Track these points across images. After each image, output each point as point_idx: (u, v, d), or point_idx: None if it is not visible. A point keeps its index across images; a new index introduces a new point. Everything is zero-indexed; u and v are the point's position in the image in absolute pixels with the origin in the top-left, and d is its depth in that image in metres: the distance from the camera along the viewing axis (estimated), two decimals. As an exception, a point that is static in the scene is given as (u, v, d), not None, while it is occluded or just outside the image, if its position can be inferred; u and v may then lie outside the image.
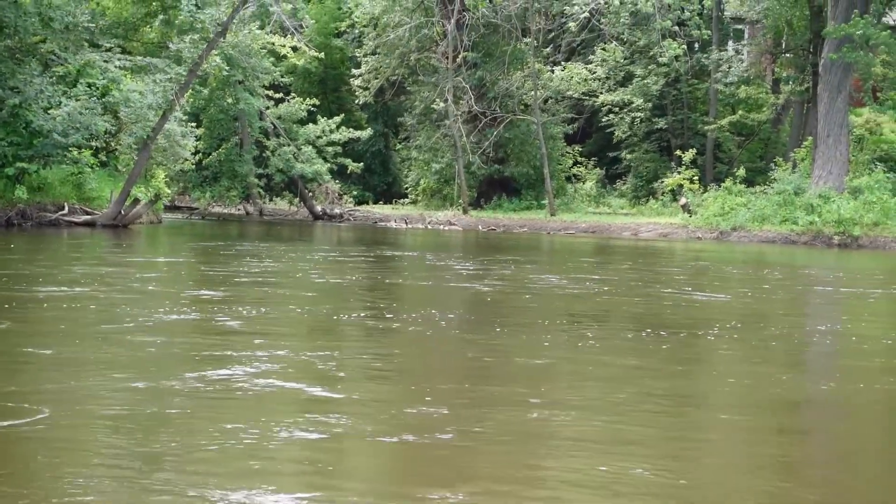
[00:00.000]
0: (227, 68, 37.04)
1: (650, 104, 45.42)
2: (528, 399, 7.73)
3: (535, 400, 7.71)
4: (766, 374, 9.78)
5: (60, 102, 27.72)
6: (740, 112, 45.94)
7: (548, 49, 46.84)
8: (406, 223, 41.27)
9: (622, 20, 43.86)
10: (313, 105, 44.77)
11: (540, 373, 9.09)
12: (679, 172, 42.36)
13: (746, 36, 52.09)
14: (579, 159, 49.28)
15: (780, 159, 41.29)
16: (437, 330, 11.55)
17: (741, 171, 40.06)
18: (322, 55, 46.02)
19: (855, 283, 22.52)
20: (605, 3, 42.14)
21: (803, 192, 37.32)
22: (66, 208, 29.25)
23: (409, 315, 12.61)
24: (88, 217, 29.37)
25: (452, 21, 43.31)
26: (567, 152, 48.69)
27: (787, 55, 48.17)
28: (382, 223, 41.81)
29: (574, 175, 48.61)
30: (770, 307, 17.07)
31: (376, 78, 47.73)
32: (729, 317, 14.93)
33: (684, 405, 8.18)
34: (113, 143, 33.23)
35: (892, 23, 43.70)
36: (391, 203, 50.83)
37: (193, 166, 41.59)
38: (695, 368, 10.53)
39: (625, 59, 45.49)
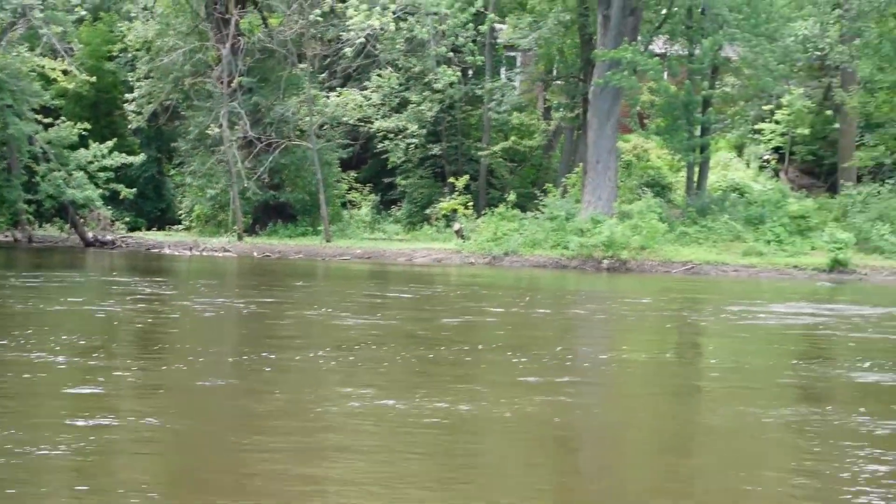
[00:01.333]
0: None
1: (425, 130, 45.58)
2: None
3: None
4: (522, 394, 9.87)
5: None
6: (513, 138, 46.60)
7: (323, 74, 46.52)
8: (187, 249, 40.48)
9: (398, 46, 43.95)
10: (85, 129, 43.38)
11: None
12: (453, 198, 42.64)
13: (519, 63, 52.94)
14: (355, 185, 49.11)
15: (552, 185, 41.98)
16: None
17: (513, 197, 40.54)
18: (94, 79, 44.72)
19: (623, 305, 23.00)
20: (381, 28, 42.10)
21: (574, 217, 37.94)
22: None
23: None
24: None
25: (227, 46, 42.65)
26: (343, 178, 48.47)
27: (559, 83, 49.12)
28: (155, 250, 40.88)
29: (350, 201, 48.42)
30: (534, 330, 17.28)
31: (150, 102, 46.63)
32: (492, 339, 15.06)
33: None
34: None
35: (658, 51, 44.87)
36: (165, 229, 49.68)
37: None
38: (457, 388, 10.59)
39: (400, 85, 45.52)
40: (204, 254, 39.47)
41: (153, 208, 54.26)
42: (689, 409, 11.44)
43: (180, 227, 49.02)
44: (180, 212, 50.31)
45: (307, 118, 43.27)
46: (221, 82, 43.08)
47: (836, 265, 35.16)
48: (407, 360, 13.34)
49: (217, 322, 17.45)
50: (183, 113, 48.06)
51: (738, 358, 15.11)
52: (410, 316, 19.12)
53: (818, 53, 48.55)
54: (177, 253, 39.61)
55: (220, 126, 42.75)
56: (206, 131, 44.04)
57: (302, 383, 11.56)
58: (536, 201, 40.84)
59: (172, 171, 54.56)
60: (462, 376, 12.30)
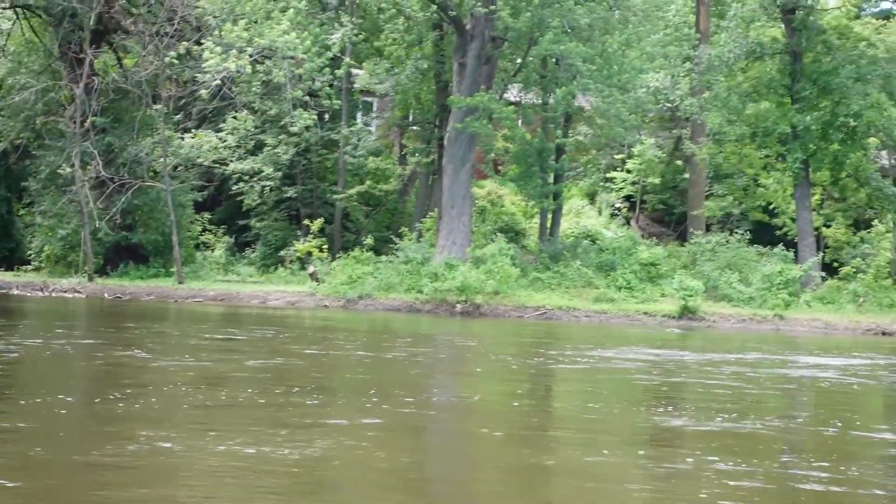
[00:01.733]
0: None
1: (280, 173, 45.34)
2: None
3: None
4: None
5: None
6: (368, 182, 46.65)
7: (179, 116, 46.05)
8: (37, 290, 39.65)
9: (254, 89, 43.70)
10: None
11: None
12: (308, 241, 42.48)
13: (376, 108, 53.10)
14: (209, 227, 48.54)
15: (407, 229, 42.05)
16: None
17: (369, 240, 40.58)
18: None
19: (466, 349, 23.15)
20: (237, 71, 41.83)
21: (429, 261, 38.08)
22: None
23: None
24: None
25: (81, 85, 41.96)
26: (196, 219, 47.89)
27: (415, 128, 49.40)
28: (2, 290, 39.90)
29: (203, 243, 47.84)
30: (365, 373, 17.33)
31: (0, 141, 45.72)
32: (309, 381, 15.10)
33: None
34: None
35: (513, 99, 45.45)
36: (13, 270, 48.47)
37: None
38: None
39: (256, 127, 45.27)
40: (54, 294, 38.67)
41: (1, 248, 52.97)
42: (483, 452, 11.59)
43: (30, 267, 47.87)
44: (30, 252, 49.14)
45: (161, 159, 42.80)
46: (74, 122, 42.36)
47: (686, 312, 35.86)
48: (202, 402, 13.32)
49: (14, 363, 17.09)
50: (34, 152, 47.07)
51: (543, 401, 15.50)
52: (229, 357, 18.96)
53: (669, 105, 49.76)
54: (28, 293, 38.75)
55: (73, 166, 42.00)
56: (58, 171, 43.19)
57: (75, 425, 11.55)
58: (392, 245, 40.89)
59: (22, 211, 53.35)
60: (260, 419, 12.32)
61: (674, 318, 35.67)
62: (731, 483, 9.83)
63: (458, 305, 35.40)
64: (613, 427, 13.33)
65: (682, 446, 12.07)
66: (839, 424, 13.88)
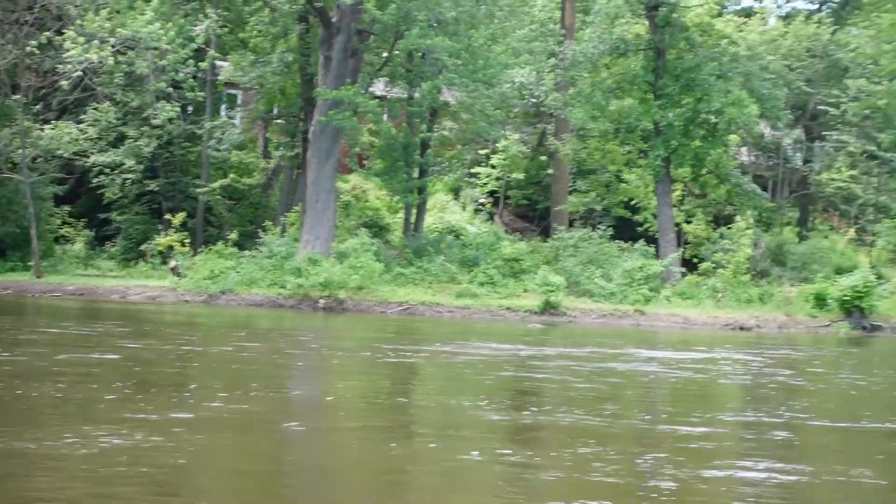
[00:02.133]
0: None
1: (142, 166, 44.74)
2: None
3: None
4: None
5: None
6: (232, 176, 46.22)
7: (38, 106, 45.06)
8: None
9: (116, 80, 42.94)
10: None
11: None
12: (169, 235, 41.91)
13: (240, 101, 52.61)
14: (68, 220, 47.54)
15: (271, 223, 41.69)
16: None
17: (233, 235, 40.23)
18: None
19: (340, 344, 23.13)
20: (99, 62, 41.05)
21: (292, 256, 37.84)
22: None
23: None
24: None
25: (-65, 73, 40.93)
26: (56, 213, 46.90)
27: (280, 122, 49.02)
28: None
29: (63, 236, 46.87)
30: (200, 368, 17.25)
31: None
32: (135, 376, 15.03)
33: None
34: None
35: (379, 93, 45.37)
36: None
37: None
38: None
39: (117, 119, 44.52)
40: None
41: None
42: (271, 448, 11.71)
43: None
44: None
45: (20, 150, 41.82)
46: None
47: (548, 307, 36.21)
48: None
49: None
50: None
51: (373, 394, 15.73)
52: (59, 352, 18.65)
53: (534, 100, 50.12)
54: None
55: (-74, 156, 40.90)
56: (-89, 162, 42.02)
57: None
58: (255, 240, 40.52)
59: None
60: (69, 413, 12.31)
61: (536, 313, 36.01)
62: (518, 473, 10.34)
63: (322, 301, 35.28)
64: (425, 418, 13.60)
65: (478, 438, 12.31)
66: (647, 417, 14.35)
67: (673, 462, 11.46)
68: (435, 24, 38.81)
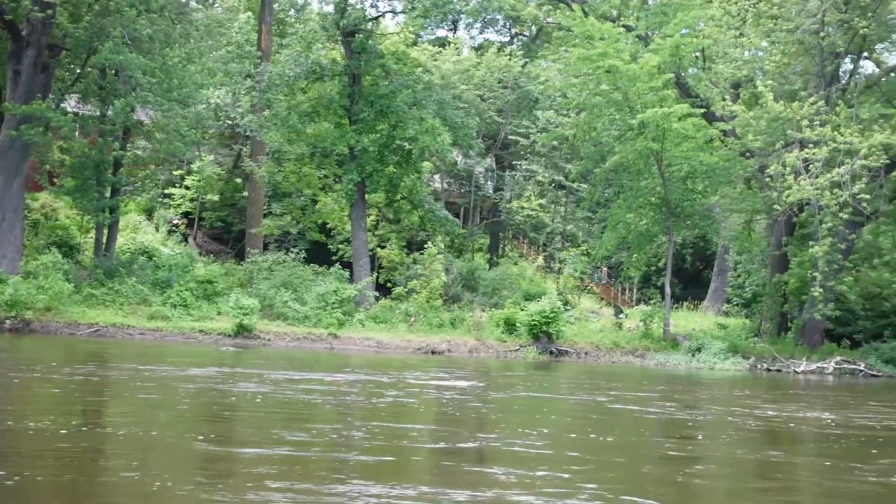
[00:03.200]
0: None
1: None
2: None
3: None
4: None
5: None
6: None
7: None
8: None
9: None
10: None
11: None
12: None
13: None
14: None
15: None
16: None
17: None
18: None
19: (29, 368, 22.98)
20: None
21: (-24, 275, 36.97)
22: None
23: None
24: None
25: None
26: None
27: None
28: None
29: None
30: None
31: None
32: None
33: None
34: None
35: (71, 109, 44.80)
36: None
37: None
38: None
39: None
40: None
41: None
42: None
43: None
44: None
45: None
46: None
47: (242, 330, 36.70)
48: None
49: None
50: None
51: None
52: None
53: (230, 122, 50.57)
54: None
55: None
56: None
57: None
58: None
59: None
60: None
61: (229, 336, 36.43)
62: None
63: (8, 321, 34.65)
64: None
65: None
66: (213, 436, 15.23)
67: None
68: (129, 42, 38.73)
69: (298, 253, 44.68)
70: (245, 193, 51.74)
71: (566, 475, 13.31)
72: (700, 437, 18.87)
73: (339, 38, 45.19)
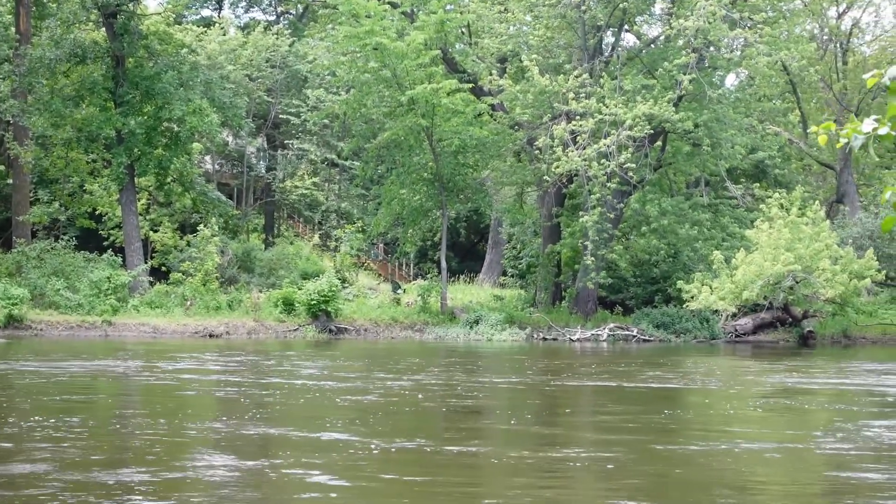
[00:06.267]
0: None
1: None
2: None
3: None
4: None
5: None
6: None
7: None
8: None
9: None
10: None
11: None
12: None
13: None
14: None
15: None
16: None
17: None
18: None
19: None
20: None
21: None
22: None
23: None
24: None
25: None
26: None
27: None
28: None
29: None
30: None
31: None
32: None
33: None
34: None
35: None
36: None
37: None
38: None
39: None
40: None
41: None
42: None
43: None
44: None
45: None
46: None
47: (12, 321, 35.73)
48: None
49: None
50: None
51: None
52: None
53: (-10, 107, 48.96)
54: None
55: None
56: None
57: None
58: None
59: None
60: None
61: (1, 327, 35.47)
62: None
63: None
64: None
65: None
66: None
67: None
68: None
69: (69, 240, 43.71)
70: (10, 181, 50.24)
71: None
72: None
73: (101, 19, 44.30)
